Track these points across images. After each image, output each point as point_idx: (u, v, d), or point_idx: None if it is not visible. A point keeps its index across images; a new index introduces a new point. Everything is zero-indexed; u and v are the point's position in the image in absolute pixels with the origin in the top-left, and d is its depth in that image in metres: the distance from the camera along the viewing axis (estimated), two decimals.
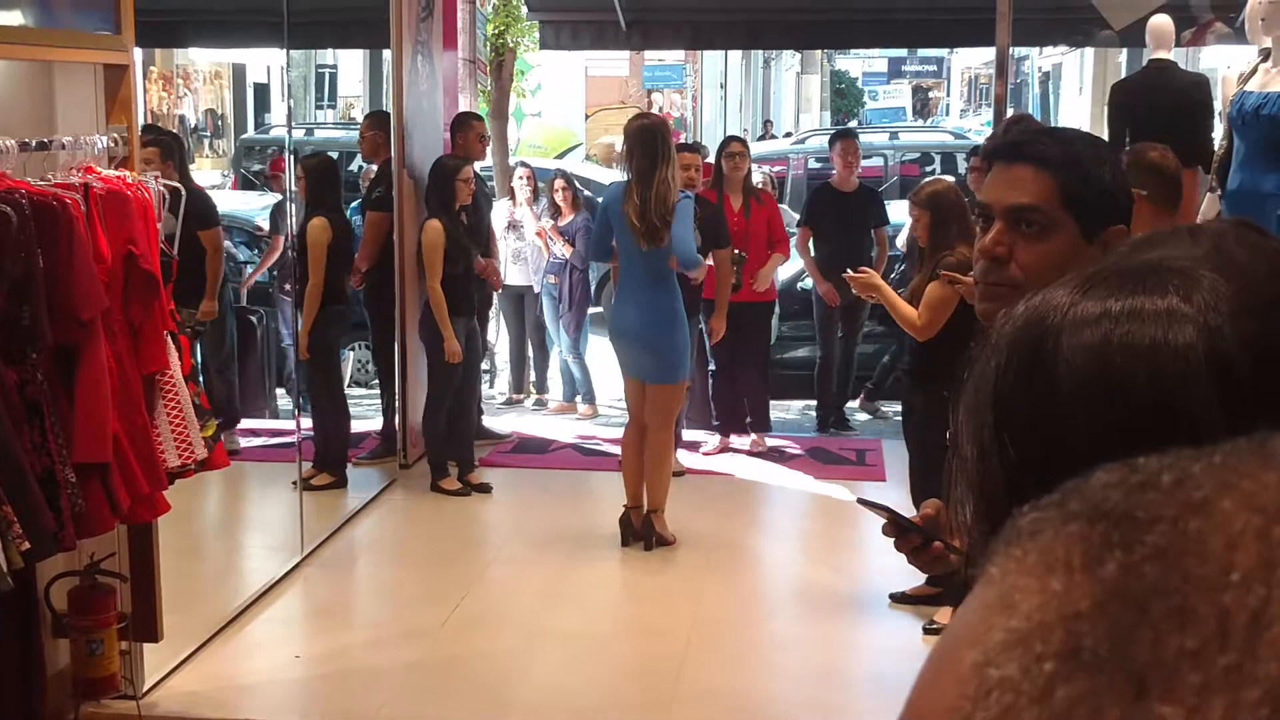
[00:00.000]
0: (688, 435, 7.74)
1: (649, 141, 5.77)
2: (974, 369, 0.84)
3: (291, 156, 7.26)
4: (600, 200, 6.24)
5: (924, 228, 5.24)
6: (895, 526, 1.90)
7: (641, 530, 6.00)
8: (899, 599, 5.40)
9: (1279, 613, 0.39)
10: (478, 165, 7.63)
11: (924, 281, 5.08)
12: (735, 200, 7.51)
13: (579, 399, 8.75)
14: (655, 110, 24.25)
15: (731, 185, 7.51)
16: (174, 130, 11.24)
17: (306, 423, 6.66)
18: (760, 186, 8.09)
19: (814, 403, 8.47)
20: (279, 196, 7.99)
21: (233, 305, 7.27)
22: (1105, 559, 0.42)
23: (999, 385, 0.81)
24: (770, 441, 7.79)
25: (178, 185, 4.34)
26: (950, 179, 6.15)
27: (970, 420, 0.82)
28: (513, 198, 8.81)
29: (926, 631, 5.07)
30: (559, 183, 8.70)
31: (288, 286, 7.62)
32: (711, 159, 7.95)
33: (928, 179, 6.79)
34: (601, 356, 8.38)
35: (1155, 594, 0.41)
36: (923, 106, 43.72)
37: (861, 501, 2.04)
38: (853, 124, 33.12)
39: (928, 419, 5.28)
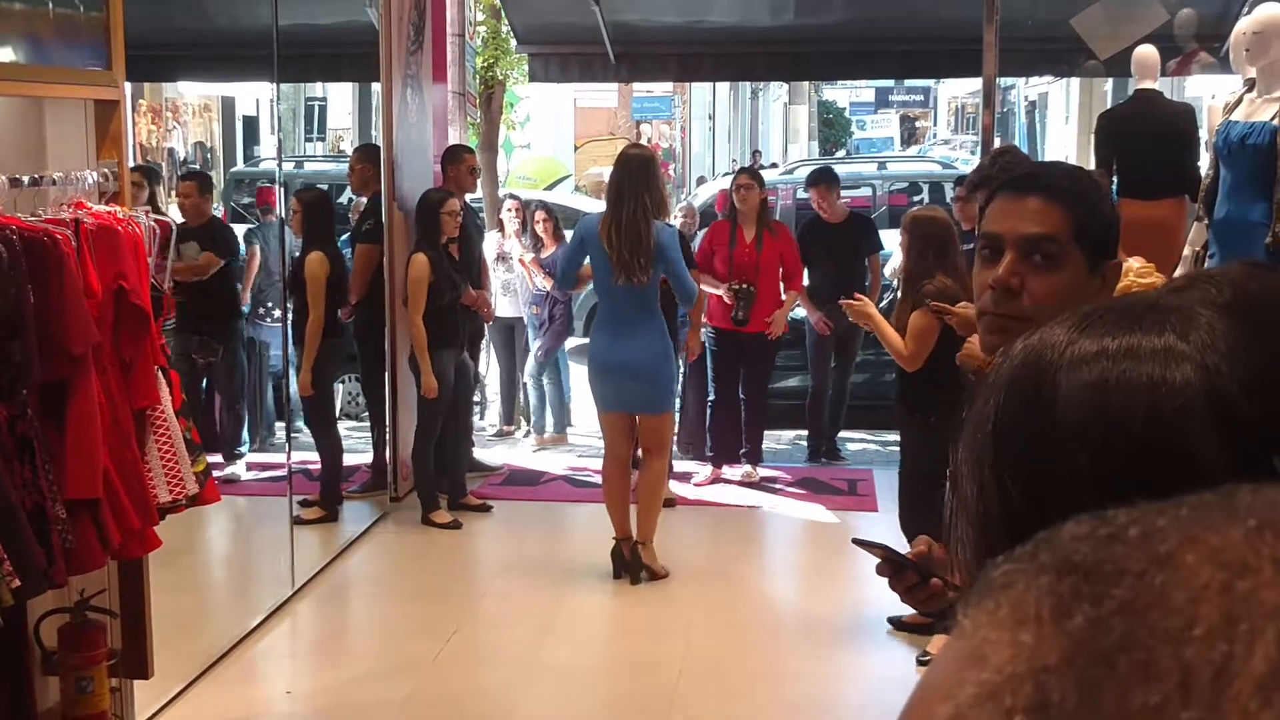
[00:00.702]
0: (679, 466, 7.76)
1: (621, 171, 5.78)
2: (973, 407, 0.84)
3: (281, 189, 7.28)
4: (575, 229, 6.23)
5: (904, 252, 5.30)
6: (891, 564, 1.88)
7: (631, 562, 5.98)
8: (897, 624, 5.39)
9: (1242, 668, 0.39)
10: (468, 197, 7.65)
11: (908, 310, 5.10)
12: (748, 231, 7.56)
13: (531, 426, 8.78)
14: (644, 141, 24.34)
15: (744, 217, 7.57)
16: (161, 163, 11.24)
17: (298, 455, 6.65)
18: (778, 221, 8.13)
19: (805, 432, 8.47)
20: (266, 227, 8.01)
21: (244, 338, 7.30)
22: (1073, 612, 0.43)
23: (998, 424, 0.81)
24: (762, 472, 7.80)
25: (169, 220, 4.34)
26: (944, 212, 6.19)
27: (970, 459, 0.82)
28: (501, 230, 8.83)
29: (920, 663, 5.06)
30: (540, 214, 8.71)
31: (263, 310, 7.64)
32: (694, 194, 8.01)
33: (921, 207, 6.91)
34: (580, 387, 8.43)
35: (1121, 648, 0.41)
36: (910, 136, 43.89)
37: (857, 541, 2.02)
38: (840, 153, 33.29)
39: (914, 446, 5.29)
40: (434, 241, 6.81)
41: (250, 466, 7.45)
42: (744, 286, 7.36)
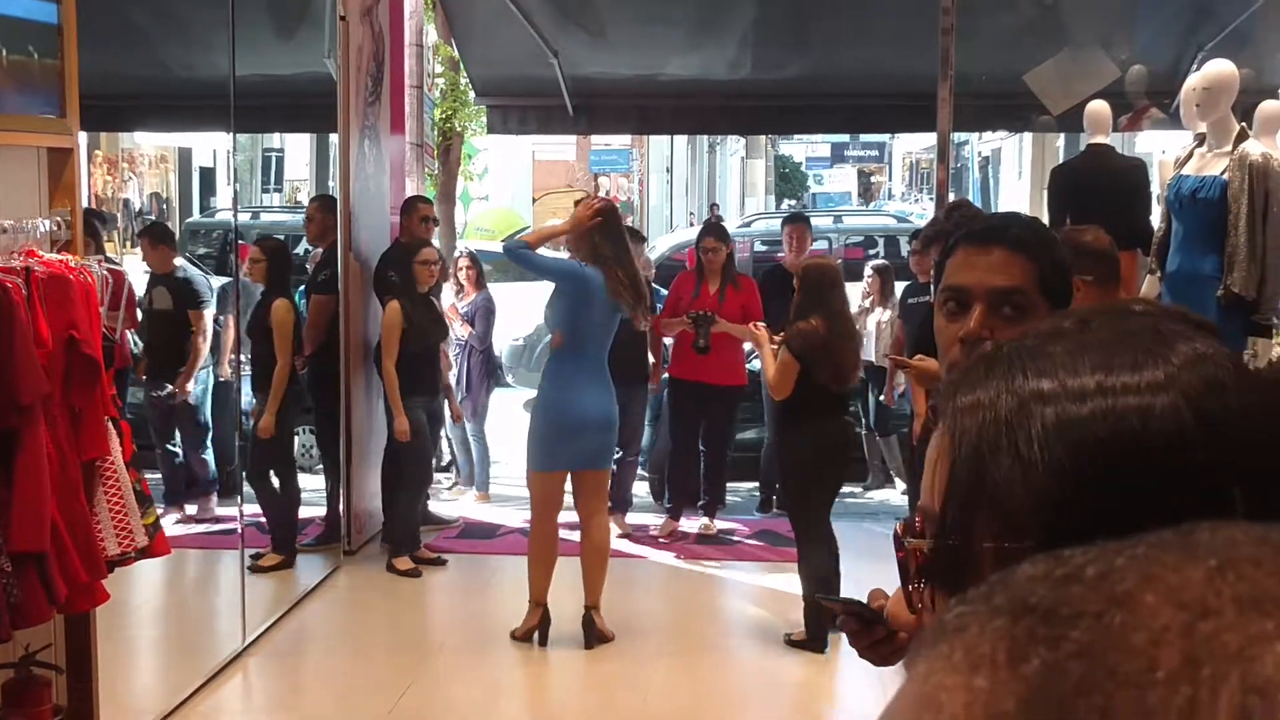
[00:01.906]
0: (637, 519, 7.76)
1: (615, 228, 5.77)
2: (978, 462, 0.76)
3: (236, 239, 7.26)
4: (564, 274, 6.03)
5: (796, 295, 5.78)
6: (857, 619, 1.81)
7: (584, 627, 5.86)
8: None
9: (1207, 714, 0.38)
10: None
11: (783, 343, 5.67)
12: (712, 285, 7.71)
13: (473, 482, 8.64)
14: (604, 194, 24.45)
15: (710, 272, 7.73)
16: (116, 213, 11.18)
17: (250, 508, 6.58)
18: (742, 273, 8.29)
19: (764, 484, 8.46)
20: (224, 279, 7.96)
21: (210, 385, 7.34)
22: (1029, 656, 0.42)
23: (1057, 480, 0.73)
24: (719, 524, 7.80)
25: (121, 269, 4.30)
26: (834, 260, 6.62)
27: (1001, 512, 0.74)
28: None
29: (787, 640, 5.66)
30: (464, 261, 8.57)
31: (229, 364, 7.62)
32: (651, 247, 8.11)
33: (813, 256, 7.68)
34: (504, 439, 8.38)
35: (1079, 692, 0.40)
36: (865, 190, 44.36)
37: (821, 598, 1.98)
38: (797, 206, 33.55)
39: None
40: (409, 290, 6.83)
41: (201, 518, 7.37)
42: (702, 313, 7.41)
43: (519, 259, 5.81)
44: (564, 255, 6.38)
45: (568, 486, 5.87)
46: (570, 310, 5.73)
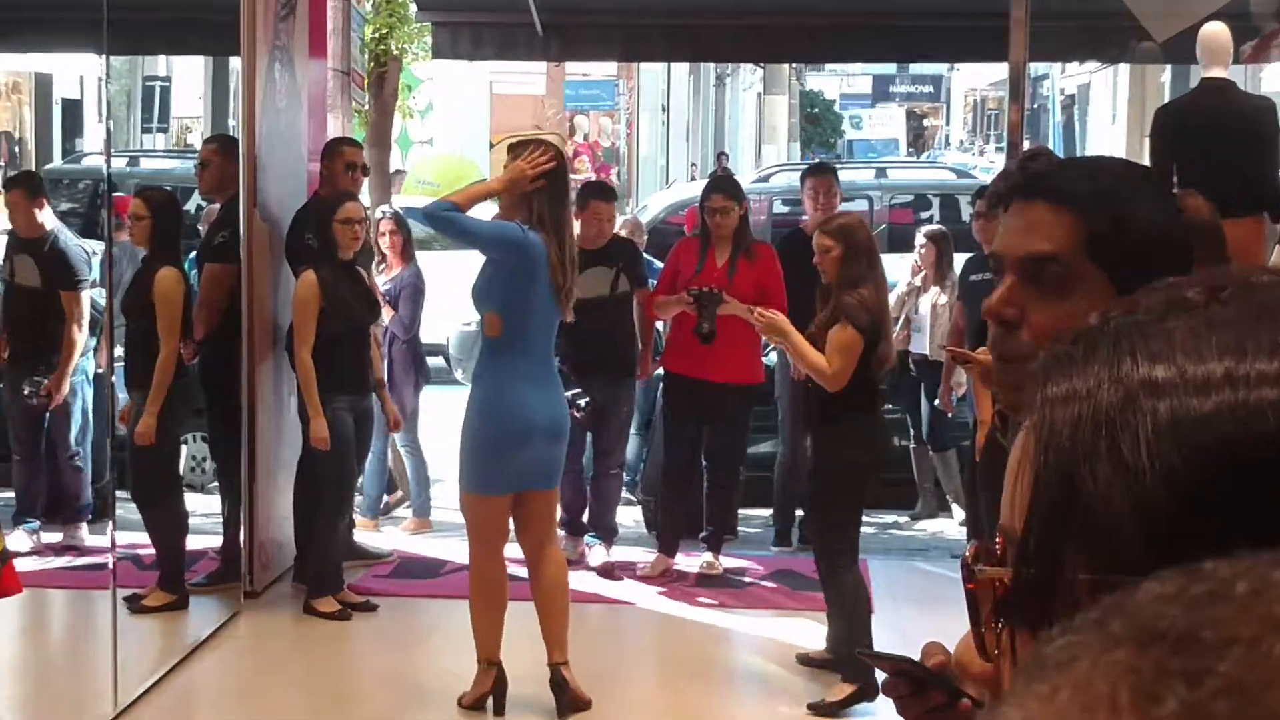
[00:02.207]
0: (623, 553, 7.77)
1: (562, 182, 5.76)
2: (1070, 469, 0.75)
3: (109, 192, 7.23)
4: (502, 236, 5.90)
5: (833, 261, 5.71)
6: (910, 681, 1.78)
7: (553, 690, 5.84)
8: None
9: None
10: None
11: (828, 322, 5.59)
12: (720, 255, 7.66)
13: (409, 506, 8.68)
14: (581, 139, 24.48)
15: (717, 239, 7.72)
16: None
17: (124, 536, 6.57)
18: (759, 241, 8.27)
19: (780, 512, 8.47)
20: (94, 243, 7.95)
21: (88, 378, 7.40)
22: (1163, 695, 0.41)
23: (1169, 492, 0.72)
24: (726, 562, 7.79)
25: None
26: (859, 216, 6.79)
27: (1097, 534, 0.74)
28: None
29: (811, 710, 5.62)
30: (387, 225, 8.48)
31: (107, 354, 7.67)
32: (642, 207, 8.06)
33: (839, 213, 7.33)
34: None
35: None
36: (916, 137, 44.50)
37: (863, 654, 1.93)
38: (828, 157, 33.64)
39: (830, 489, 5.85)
40: (329, 257, 6.83)
41: (64, 549, 7.38)
42: (707, 290, 7.37)
43: (443, 224, 5.74)
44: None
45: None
46: (509, 288, 5.66)
